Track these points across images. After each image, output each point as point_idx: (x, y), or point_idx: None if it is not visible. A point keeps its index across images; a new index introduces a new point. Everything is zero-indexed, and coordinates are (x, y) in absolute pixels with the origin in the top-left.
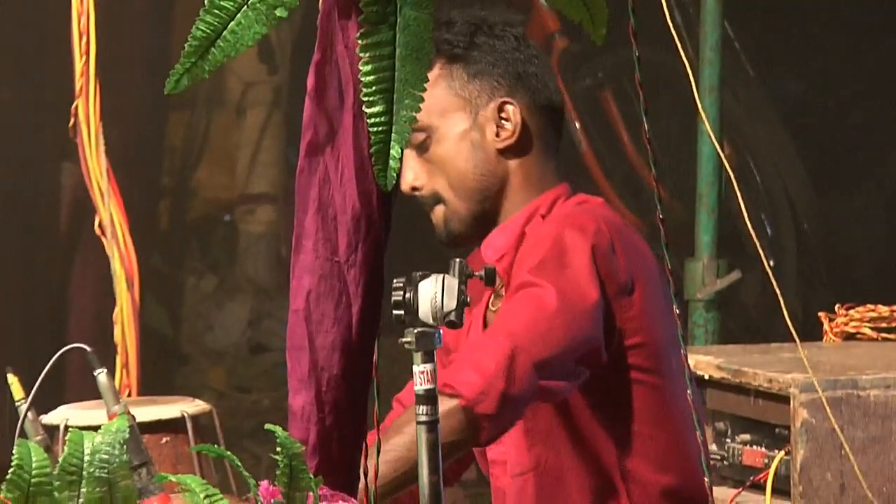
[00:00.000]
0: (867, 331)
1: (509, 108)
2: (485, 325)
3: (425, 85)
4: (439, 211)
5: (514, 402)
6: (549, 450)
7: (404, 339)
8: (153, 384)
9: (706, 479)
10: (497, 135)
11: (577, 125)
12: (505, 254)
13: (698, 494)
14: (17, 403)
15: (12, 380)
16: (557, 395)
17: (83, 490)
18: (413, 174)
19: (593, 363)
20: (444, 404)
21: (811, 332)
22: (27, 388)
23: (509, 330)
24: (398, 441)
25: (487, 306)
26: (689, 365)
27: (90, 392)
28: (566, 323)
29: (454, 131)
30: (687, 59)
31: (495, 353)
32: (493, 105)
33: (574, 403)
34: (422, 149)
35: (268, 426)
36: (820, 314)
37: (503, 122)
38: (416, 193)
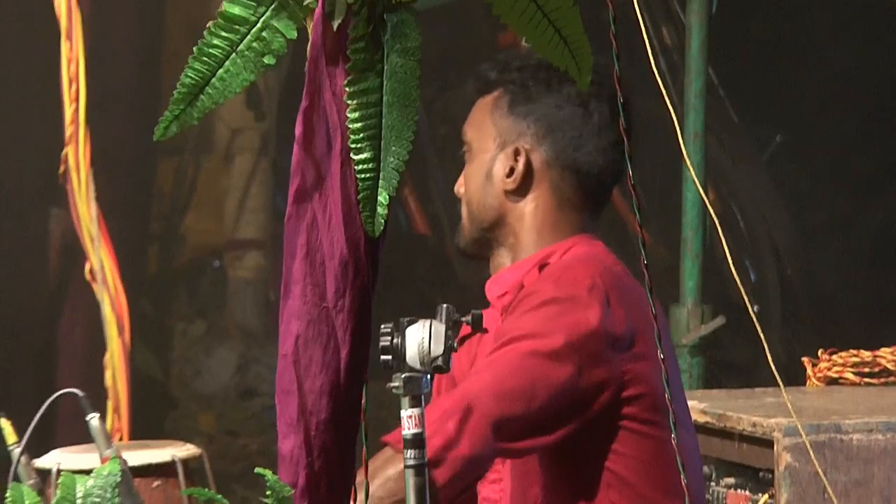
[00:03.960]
0: (850, 375)
1: (520, 153)
2: None
3: (412, 131)
4: (463, 216)
5: (471, 464)
6: (545, 492)
7: (392, 384)
8: (144, 428)
9: None
10: (507, 175)
11: None
12: (507, 292)
13: None
14: (10, 448)
15: (5, 424)
16: (523, 453)
17: None
18: (462, 177)
19: (564, 415)
20: (399, 465)
21: (795, 377)
22: (20, 434)
23: (472, 391)
24: (374, 487)
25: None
26: (687, 408)
27: (81, 436)
28: (531, 383)
29: (482, 155)
30: (672, 105)
31: (454, 415)
32: (512, 146)
33: (568, 449)
34: (466, 158)
35: (258, 470)
36: (803, 359)
37: (514, 165)
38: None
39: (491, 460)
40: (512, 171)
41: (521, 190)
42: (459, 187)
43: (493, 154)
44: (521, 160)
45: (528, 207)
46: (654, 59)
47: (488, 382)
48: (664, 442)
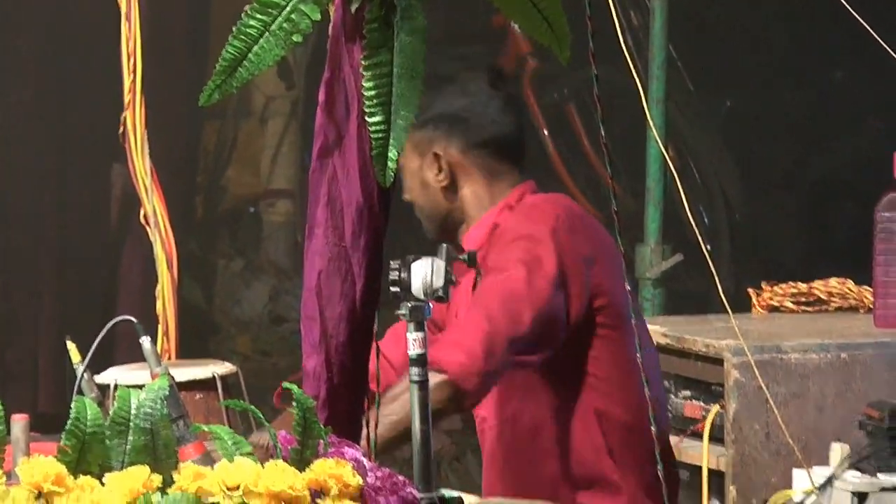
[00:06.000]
0: (789, 304)
1: (439, 157)
2: None
3: (418, 98)
4: (421, 218)
5: (492, 376)
6: (527, 401)
7: (400, 311)
8: (189, 349)
9: (652, 429)
10: (437, 175)
11: (546, 133)
12: (482, 245)
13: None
14: (74, 366)
15: (71, 346)
16: (530, 365)
17: (130, 439)
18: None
19: (559, 327)
20: (434, 378)
21: (741, 305)
22: (83, 354)
23: (486, 313)
24: (394, 407)
25: (474, 286)
26: (648, 332)
27: (136, 356)
28: (533, 303)
29: (411, 167)
30: (637, 76)
31: (476, 335)
32: (430, 154)
33: (554, 359)
34: (401, 175)
35: (285, 384)
36: (749, 290)
37: (439, 168)
38: None
39: (505, 371)
40: (440, 170)
41: (454, 182)
42: (405, 195)
43: (419, 164)
44: (442, 159)
45: (467, 191)
46: (623, 36)
47: (498, 306)
48: (628, 345)
